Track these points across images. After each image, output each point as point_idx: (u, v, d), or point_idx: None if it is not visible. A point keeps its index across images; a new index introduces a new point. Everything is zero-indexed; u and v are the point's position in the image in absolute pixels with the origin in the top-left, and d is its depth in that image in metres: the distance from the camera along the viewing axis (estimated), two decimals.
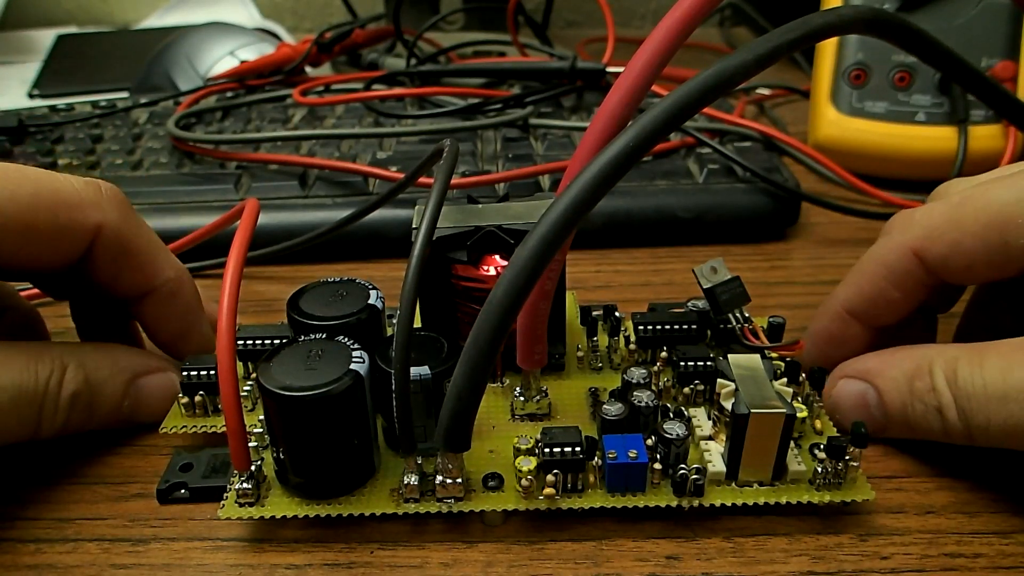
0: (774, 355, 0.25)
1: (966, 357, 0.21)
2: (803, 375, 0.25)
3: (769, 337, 0.27)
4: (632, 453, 0.21)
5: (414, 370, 0.21)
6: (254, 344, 0.26)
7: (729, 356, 0.23)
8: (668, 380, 0.25)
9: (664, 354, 0.26)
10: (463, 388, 0.19)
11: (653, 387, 0.24)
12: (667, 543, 0.22)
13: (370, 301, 0.24)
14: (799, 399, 0.24)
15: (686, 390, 0.25)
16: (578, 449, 0.21)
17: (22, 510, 0.23)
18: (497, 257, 0.25)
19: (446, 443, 0.20)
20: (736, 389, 0.22)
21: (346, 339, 0.22)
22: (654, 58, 0.19)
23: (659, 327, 0.27)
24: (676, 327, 0.27)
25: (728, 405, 0.22)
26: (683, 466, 0.21)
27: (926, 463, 0.23)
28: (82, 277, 0.25)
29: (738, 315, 0.26)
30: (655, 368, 0.26)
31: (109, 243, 0.24)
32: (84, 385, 0.23)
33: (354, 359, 0.21)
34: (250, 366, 0.27)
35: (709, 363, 0.25)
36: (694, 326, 0.27)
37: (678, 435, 0.22)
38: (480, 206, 0.26)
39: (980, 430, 0.21)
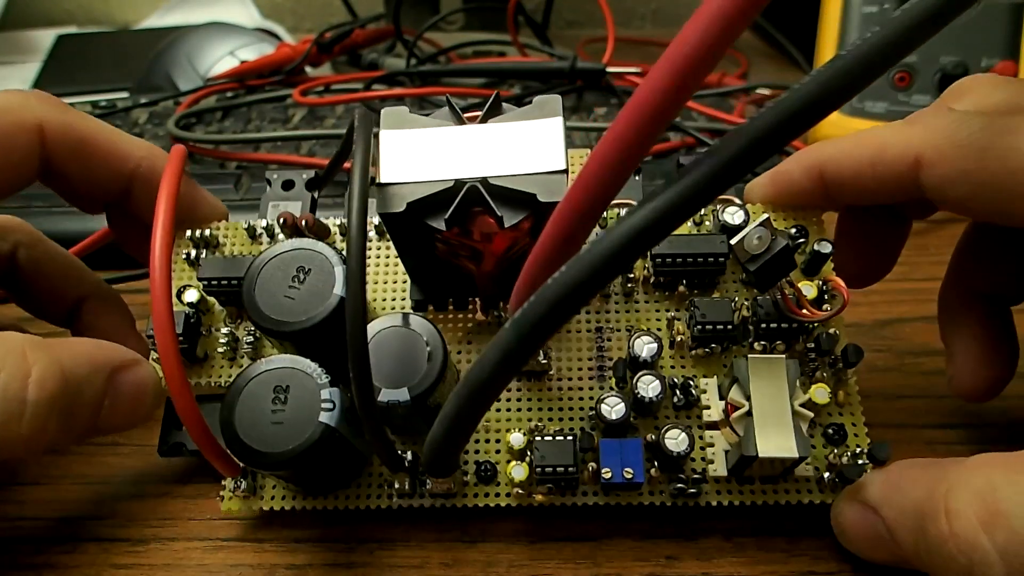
0: (817, 323, 0.23)
1: (1003, 478, 0.15)
2: (834, 355, 0.23)
3: (815, 304, 0.23)
4: (628, 473, 0.21)
5: (393, 394, 0.20)
6: (219, 284, 0.23)
7: (749, 359, 0.21)
8: (683, 334, 0.23)
9: (683, 288, 0.24)
10: (451, 431, 0.17)
11: (658, 367, 0.23)
12: (667, 543, 0.22)
13: (336, 291, 0.21)
14: (825, 377, 0.23)
15: (700, 352, 0.23)
16: (571, 469, 0.21)
17: (22, 510, 0.23)
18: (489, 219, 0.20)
19: (429, 471, 0.20)
20: (748, 412, 0.21)
21: (312, 368, 0.21)
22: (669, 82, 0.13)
23: (679, 259, 0.23)
24: (697, 260, 0.23)
25: (740, 428, 0.21)
26: (681, 476, 0.21)
27: None
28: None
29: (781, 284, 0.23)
30: (669, 314, 0.24)
31: (61, 137, 0.23)
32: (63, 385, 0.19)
33: (323, 405, 0.20)
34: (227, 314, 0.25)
35: (730, 327, 0.22)
36: (721, 259, 0.23)
37: (679, 453, 0.21)
38: (460, 129, 0.20)
39: None
